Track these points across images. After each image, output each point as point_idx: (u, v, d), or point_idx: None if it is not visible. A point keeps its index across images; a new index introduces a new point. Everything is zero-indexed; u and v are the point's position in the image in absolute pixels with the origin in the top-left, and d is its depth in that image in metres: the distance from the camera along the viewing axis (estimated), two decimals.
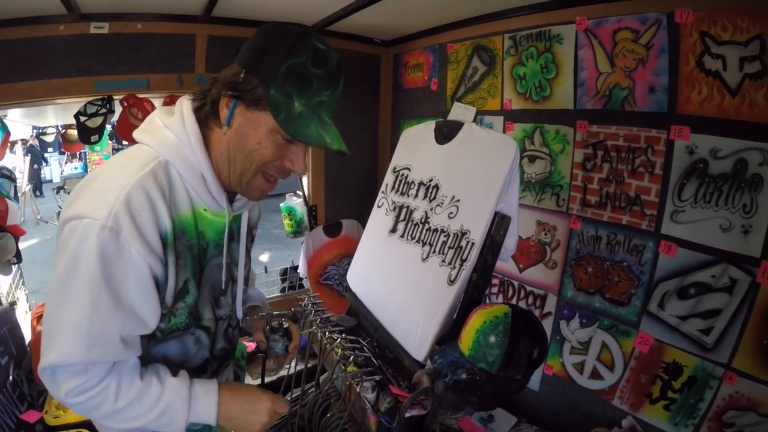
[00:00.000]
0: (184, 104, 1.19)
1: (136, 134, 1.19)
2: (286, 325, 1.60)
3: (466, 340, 1.39)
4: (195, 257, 1.19)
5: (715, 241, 1.84)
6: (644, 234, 2.06)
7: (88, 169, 15.44)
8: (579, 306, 2.34)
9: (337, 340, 1.84)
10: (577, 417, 2.35)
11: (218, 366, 1.47)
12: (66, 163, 15.99)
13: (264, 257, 7.88)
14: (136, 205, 1.03)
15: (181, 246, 1.14)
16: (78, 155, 15.53)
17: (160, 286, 1.12)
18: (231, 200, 1.29)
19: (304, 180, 3.58)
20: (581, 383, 2.34)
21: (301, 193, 3.59)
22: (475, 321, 1.39)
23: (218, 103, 1.14)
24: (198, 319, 1.27)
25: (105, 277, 1.01)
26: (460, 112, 1.90)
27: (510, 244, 1.67)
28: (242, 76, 1.09)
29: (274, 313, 1.56)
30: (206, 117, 1.17)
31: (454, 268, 1.63)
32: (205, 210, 1.20)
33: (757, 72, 1.70)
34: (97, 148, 7.43)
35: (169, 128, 1.15)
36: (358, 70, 3.47)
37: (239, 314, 1.53)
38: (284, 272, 3.88)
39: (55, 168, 15.90)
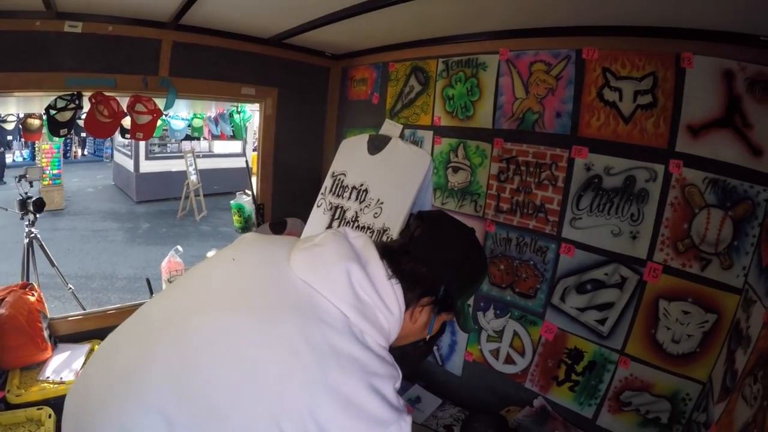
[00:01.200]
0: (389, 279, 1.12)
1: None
2: None
3: None
4: None
5: (608, 244, 2.02)
6: (548, 237, 2.22)
7: (36, 158, 14.96)
8: (493, 299, 2.47)
9: None
10: (495, 398, 2.48)
11: None
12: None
13: (211, 254, 7.80)
14: None
15: None
16: (27, 144, 15.06)
17: None
18: None
19: (254, 179, 3.65)
20: (497, 368, 2.48)
21: (250, 192, 3.66)
22: None
23: (414, 304, 1.16)
24: None
25: None
26: (389, 127, 2.11)
27: None
28: (442, 291, 1.17)
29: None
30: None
31: None
32: None
33: (648, 103, 1.89)
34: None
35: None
36: (308, 80, 3.54)
37: None
38: None
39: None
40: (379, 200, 1.96)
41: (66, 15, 2.44)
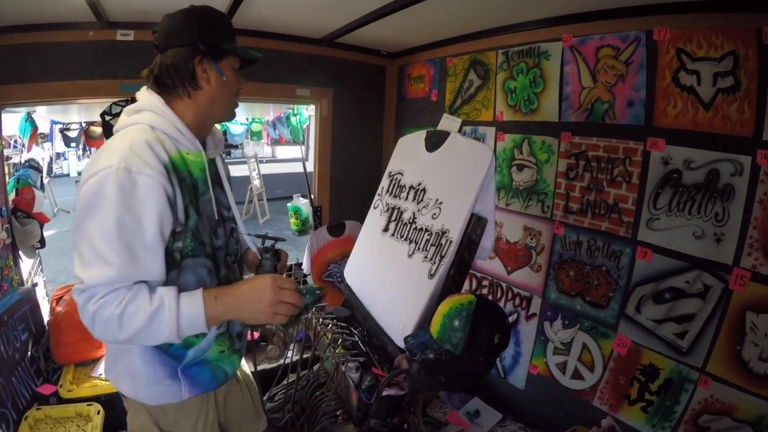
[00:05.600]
0: (142, 91, 1.48)
1: (124, 121, 1.44)
2: (276, 246, 1.73)
3: (435, 324, 1.54)
4: (189, 188, 1.39)
5: (689, 248, 1.90)
6: (622, 240, 2.12)
7: None
8: (561, 308, 2.39)
9: (328, 325, 2.03)
10: (559, 416, 2.40)
11: None
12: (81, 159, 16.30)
13: None
14: (138, 149, 1.27)
15: (178, 176, 1.35)
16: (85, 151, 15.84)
17: (172, 204, 1.31)
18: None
19: (311, 182, 3.69)
20: (564, 383, 2.39)
21: (307, 195, 3.71)
22: (443, 307, 1.54)
23: (189, 78, 1.43)
24: (201, 243, 1.44)
25: (126, 205, 1.21)
26: (447, 122, 2.05)
27: (487, 243, 1.83)
28: (202, 47, 1.42)
29: (268, 234, 1.70)
30: (169, 93, 1.45)
31: (435, 263, 1.79)
32: (187, 153, 1.42)
33: (730, 86, 1.76)
34: None
35: (143, 109, 1.42)
36: (364, 79, 3.58)
37: (239, 247, 1.75)
38: (289, 269, 3.98)
39: (72, 163, 16.25)
40: (437, 200, 1.91)
41: (116, 24, 2.60)
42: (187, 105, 1.46)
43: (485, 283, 2.84)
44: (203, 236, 1.44)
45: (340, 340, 1.94)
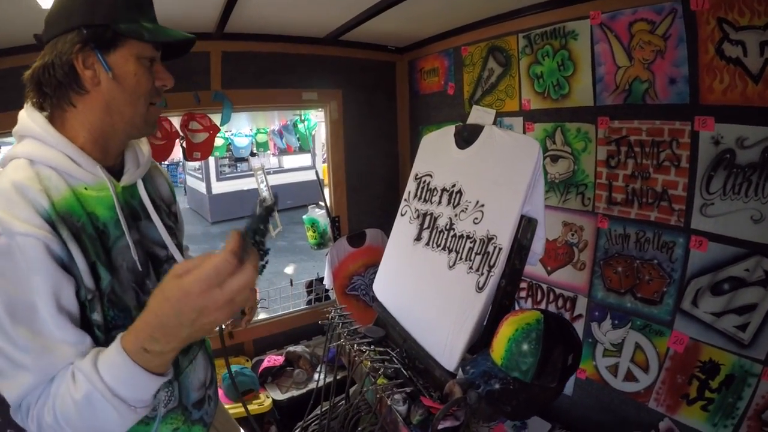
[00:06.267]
0: (22, 111, 1.14)
1: (7, 154, 1.12)
2: None
3: (498, 349, 1.37)
4: (93, 238, 1.08)
5: (747, 233, 1.79)
6: (674, 230, 2.01)
7: None
8: (610, 307, 2.29)
9: (365, 352, 1.84)
10: (613, 421, 2.30)
11: (181, 358, 1.30)
12: None
13: (289, 269, 7.91)
14: (5, 199, 0.97)
15: (71, 226, 1.03)
16: None
17: (67, 266, 1.00)
18: (116, 175, 1.21)
19: (326, 191, 3.59)
20: (615, 386, 2.29)
21: (323, 204, 3.61)
22: (507, 329, 1.38)
23: (67, 79, 1.08)
24: (124, 309, 1.11)
25: (6, 284, 0.93)
26: (479, 115, 1.89)
27: (537, 247, 1.66)
28: (85, 32, 1.06)
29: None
30: (53, 105, 1.12)
31: (482, 274, 1.62)
32: (85, 189, 1.10)
33: None
34: None
35: (23, 135, 1.11)
36: (373, 77, 3.48)
37: None
38: (310, 284, 3.89)
39: None
40: (478, 202, 1.74)
41: None
42: (76, 119, 1.12)
43: (523, 285, 2.72)
44: (125, 299, 1.12)
45: (381, 369, 1.76)
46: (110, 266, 1.09)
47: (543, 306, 2.61)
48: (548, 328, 1.32)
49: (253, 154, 11.43)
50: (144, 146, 1.32)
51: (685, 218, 1.97)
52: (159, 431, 1.18)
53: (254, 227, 0.95)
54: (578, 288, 2.43)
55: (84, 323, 1.02)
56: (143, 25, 1.12)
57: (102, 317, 1.05)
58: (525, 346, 1.31)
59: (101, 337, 1.04)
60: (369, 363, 1.80)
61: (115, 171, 1.21)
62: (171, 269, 0.86)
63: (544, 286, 2.61)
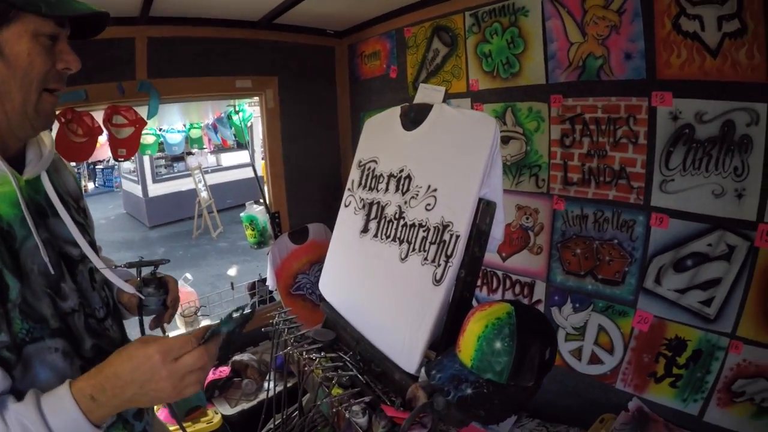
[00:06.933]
0: None
1: None
2: (160, 274, 1.36)
3: (467, 349, 1.25)
4: None
5: (709, 208, 1.79)
6: (633, 208, 2.00)
7: None
8: (570, 290, 2.27)
9: (316, 360, 1.71)
10: (580, 404, 2.29)
11: None
12: None
13: (232, 271, 7.70)
14: None
15: None
16: None
17: None
18: (18, 165, 1.10)
19: (264, 186, 3.46)
20: (580, 370, 2.28)
21: (261, 201, 3.46)
22: (475, 326, 1.25)
23: None
24: (40, 319, 1.02)
25: None
26: (427, 93, 1.79)
27: (497, 232, 1.56)
28: None
29: (143, 259, 1.34)
30: None
31: (439, 265, 1.51)
32: None
33: (737, 30, 1.65)
34: None
35: None
36: (311, 63, 3.35)
37: (108, 294, 1.31)
38: (252, 286, 3.74)
39: None
40: (429, 187, 1.62)
41: None
42: None
43: None
44: (39, 308, 1.02)
45: (335, 379, 1.61)
46: (18, 272, 0.98)
47: (499, 294, 2.57)
48: (521, 321, 1.21)
49: (189, 153, 11.11)
50: (46, 138, 1.18)
51: (644, 196, 1.96)
52: None
53: (227, 335, 1.01)
54: (535, 273, 2.39)
55: None
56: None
57: (9, 335, 0.95)
58: (498, 344, 1.19)
59: (12, 358, 0.95)
60: (320, 372, 1.67)
61: (16, 165, 1.08)
62: (139, 338, 0.95)
63: (500, 273, 2.57)
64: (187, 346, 0.92)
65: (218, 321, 0.98)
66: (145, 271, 1.36)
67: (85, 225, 1.28)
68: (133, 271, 1.31)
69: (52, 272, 1.07)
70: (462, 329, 1.30)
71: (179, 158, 12.82)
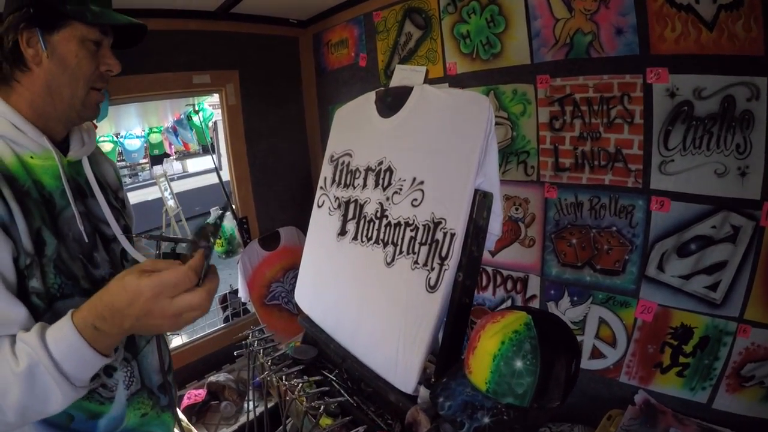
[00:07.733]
0: None
1: None
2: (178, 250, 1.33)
3: (480, 371, 1.10)
4: (38, 203, 1.12)
5: (711, 188, 1.75)
6: (631, 192, 1.95)
7: None
8: (567, 283, 2.21)
9: (298, 386, 1.55)
10: (584, 401, 2.21)
11: (138, 337, 1.35)
12: None
13: None
14: None
15: (15, 188, 1.08)
16: None
17: (6, 224, 1.03)
18: (63, 149, 1.26)
19: (229, 191, 3.35)
20: (582, 366, 2.17)
21: (225, 206, 3.27)
22: (488, 342, 1.10)
23: (15, 57, 1.14)
24: (72, 277, 1.14)
25: None
26: (405, 75, 1.65)
27: (495, 227, 1.42)
28: (31, 10, 1.10)
29: (163, 234, 1.38)
30: (5, 80, 1.17)
31: (433, 269, 1.38)
32: (31, 157, 1.16)
33: (732, 2, 1.61)
34: None
35: None
36: (274, 56, 3.23)
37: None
38: (223, 299, 3.60)
39: None
40: (415, 180, 1.46)
41: None
42: (20, 94, 1.16)
43: None
44: (72, 268, 1.15)
45: (322, 407, 1.46)
46: (57, 233, 1.13)
47: (490, 291, 2.48)
48: (542, 333, 1.07)
49: (155, 160, 10.99)
50: (89, 130, 1.35)
51: (643, 179, 1.91)
52: (127, 416, 1.25)
53: (211, 227, 1.01)
54: (529, 267, 2.32)
55: (20, 291, 1.03)
56: (89, 8, 1.16)
57: (42, 284, 1.07)
58: (518, 364, 1.04)
59: (41, 306, 1.07)
60: (305, 401, 1.51)
61: (62, 148, 1.24)
62: (142, 263, 0.96)
63: (489, 269, 2.48)
64: (185, 282, 0.91)
65: (207, 243, 0.98)
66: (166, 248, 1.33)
67: (120, 211, 1.43)
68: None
69: (86, 240, 1.21)
70: (471, 346, 1.16)
71: (138, 165, 12.97)
